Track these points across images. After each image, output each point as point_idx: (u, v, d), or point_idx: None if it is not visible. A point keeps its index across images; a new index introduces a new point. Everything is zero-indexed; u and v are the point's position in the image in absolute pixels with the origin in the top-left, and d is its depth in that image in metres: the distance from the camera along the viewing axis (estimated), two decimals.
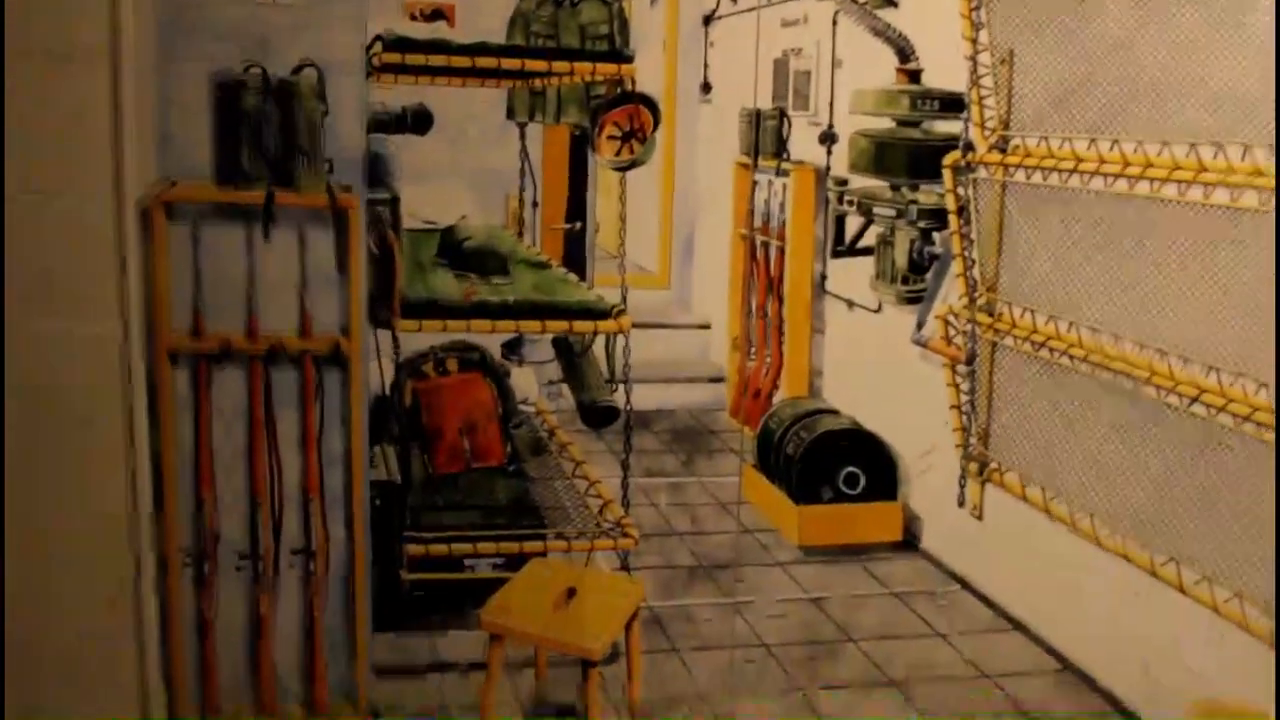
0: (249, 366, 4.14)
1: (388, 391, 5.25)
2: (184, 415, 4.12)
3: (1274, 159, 3.91)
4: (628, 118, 5.19)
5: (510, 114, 6.93)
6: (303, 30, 4.16)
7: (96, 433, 3.83)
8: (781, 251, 7.69)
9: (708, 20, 9.45)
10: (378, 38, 4.70)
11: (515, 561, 4.88)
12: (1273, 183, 3.90)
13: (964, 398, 5.71)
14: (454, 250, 5.44)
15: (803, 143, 7.49)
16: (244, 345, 4.10)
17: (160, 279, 3.97)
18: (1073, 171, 4.84)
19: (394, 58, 4.75)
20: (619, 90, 5.21)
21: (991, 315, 5.47)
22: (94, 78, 3.67)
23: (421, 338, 5.13)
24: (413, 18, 7.16)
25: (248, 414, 4.16)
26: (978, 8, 5.32)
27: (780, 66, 7.95)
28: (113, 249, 3.72)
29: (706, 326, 9.46)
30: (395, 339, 4.83)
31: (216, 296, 4.09)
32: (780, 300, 7.74)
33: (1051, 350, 5.05)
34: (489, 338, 5.53)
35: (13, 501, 3.73)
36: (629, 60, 5.10)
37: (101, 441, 3.84)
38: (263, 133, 4.07)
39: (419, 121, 6.07)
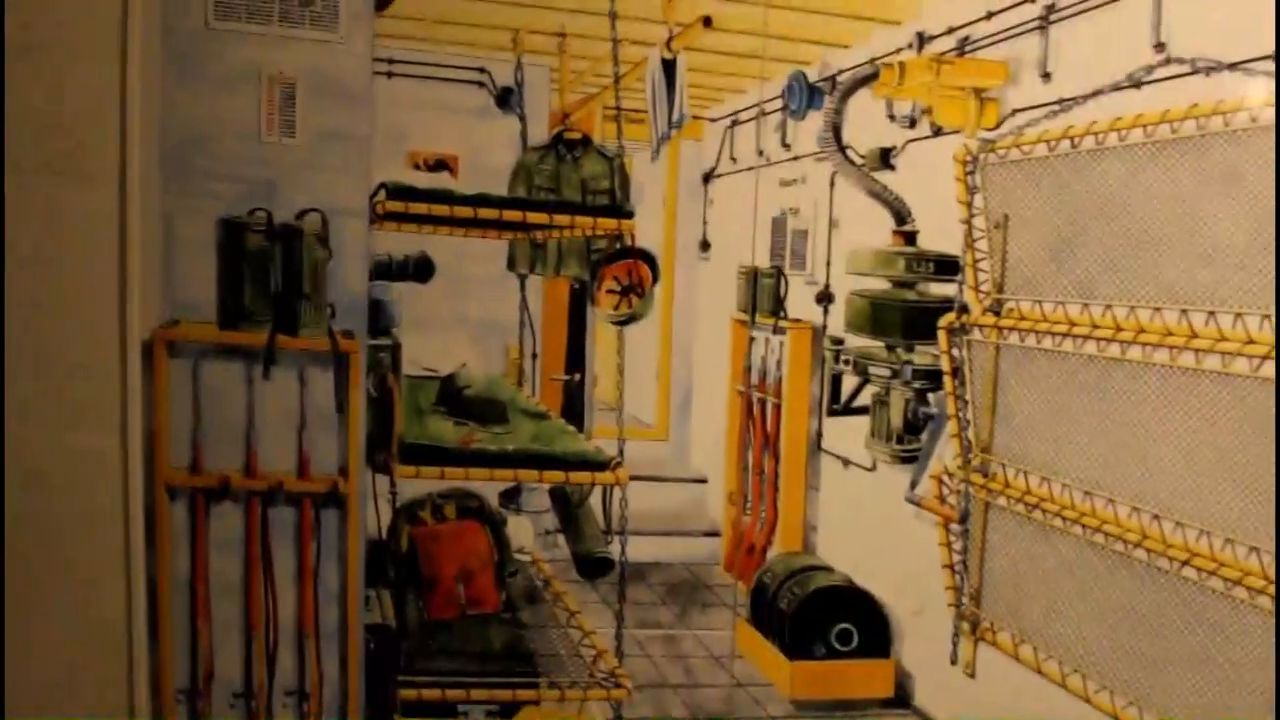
0: (247, 503, 4.14)
1: (384, 536, 5.22)
2: (180, 548, 4.10)
3: (1268, 325, 3.96)
4: (627, 272, 5.24)
5: (511, 265, 7.02)
6: (308, 175, 4.25)
7: (94, 559, 3.82)
8: (778, 408, 7.73)
9: (707, 178, 9.63)
10: (381, 186, 4.74)
11: (509, 709, 4.82)
12: (1264, 350, 3.94)
13: (957, 557, 5.69)
14: (453, 398, 5.46)
15: (800, 301, 7.57)
16: (242, 482, 4.11)
17: (161, 413, 3.99)
18: (1065, 335, 4.89)
19: (397, 206, 4.75)
20: (618, 245, 5.27)
21: (985, 476, 5.47)
22: (103, 202, 3.73)
23: (419, 483, 5.12)
24: (416, 167, 7.31)
25: (244, 549, 4.15)
26: (972, 171, 5.43)
27: (778, 225, 8.08)
28: (116, 379, 3.75)
29: (703, 480, 9.46)
30: (393, 483, 4.83)
31: (216, 433, 4.10)
32: (776, 457, 7.75)
33: (1044, 512, 5.04)
34: (487, 485, 5.52)
35: (12, 615, 3.69)
36: (629, 215, 5.15)
37: (99, 565, 3.82)
38: (266, 274, 4.12)
39: (420, 269, 6.15)
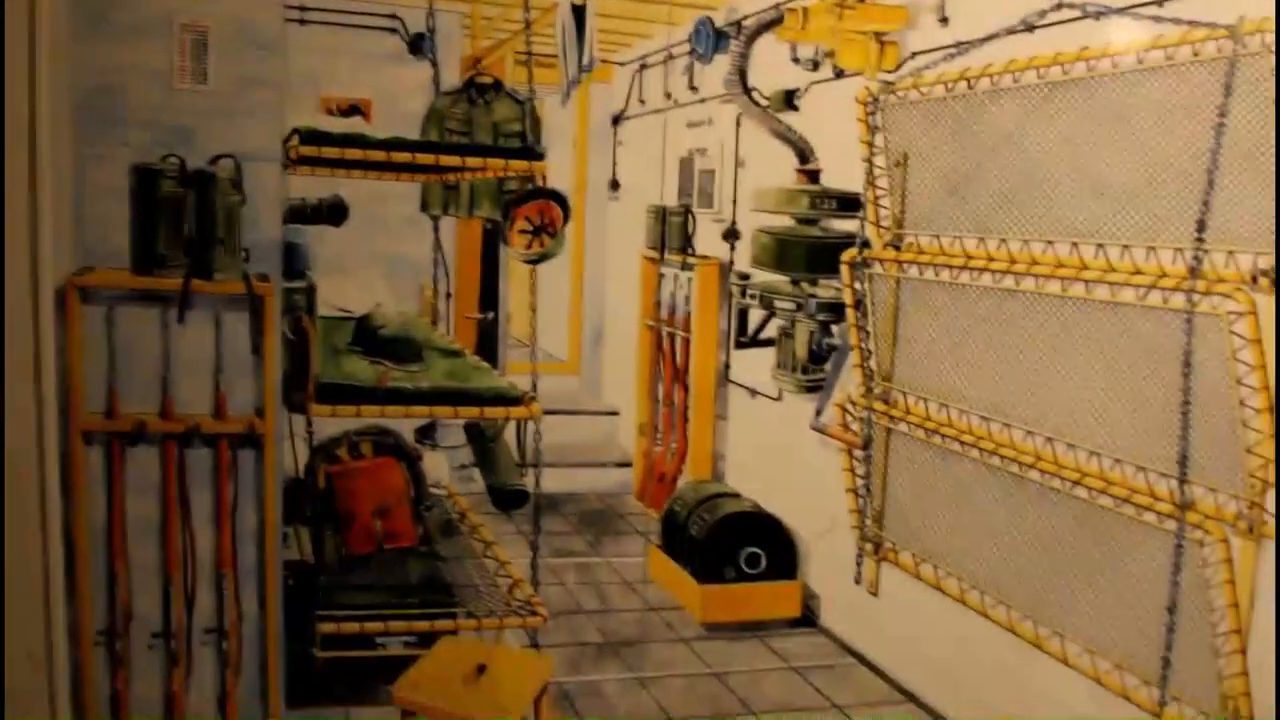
0: (163, 446, 4.05)
1: (302, 474, 5.14)
2: (97, 491, 4.02)
3: (1154, 256, 4.00)
4: (538, 212, 5.17)
5: (424, 207, 6.90)
6: (221, 121, 4.16)
7: (10, 502, 3.69)
8: (687, 342, 7.70)
9: (616, 120, 9.53)
10: (295, 131, 4.65)
11: (427, 639, 4.77)
12: (1149, 279, 3.99)
13: (860, 481, 5.73)
14: (369, 337, 5.37)
15: (707, 238, 7.54)
16: (159, 425, 4.01)
17: (74, 360, 3.89)
18: (962, 268, 4.91)
19: (310, 150, 4.69)
20: (530, 186, 5.21)
21: (887, 403, 5.50)
22: (13, 154, 3.58)
23: (336, 422, 5.05)
24: (329, 112, 7.13)
25: (161, 491, 4.07)
26: (874, 112, 5.41)
27: (686, 165, 8.02)
28: (29, 327, 3.62)
29: (615, 413, 9.44)
30: (309, 423, 4.75)
31: (131, 378, 4.01)
32: (685, 388, 7.74)
33: (943, 436, 5.08)
34: (403, 422, 5.45)
35: None
36: (540, 157, 5.11)
37: (15, 512, 3.70)
38: (180, 220, 4.02)
39: (335, 212, 6.03)
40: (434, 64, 7.18)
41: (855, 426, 5.74)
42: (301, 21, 7.05)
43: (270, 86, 4.25)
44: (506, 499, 5.67)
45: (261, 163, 4.22)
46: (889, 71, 5.41)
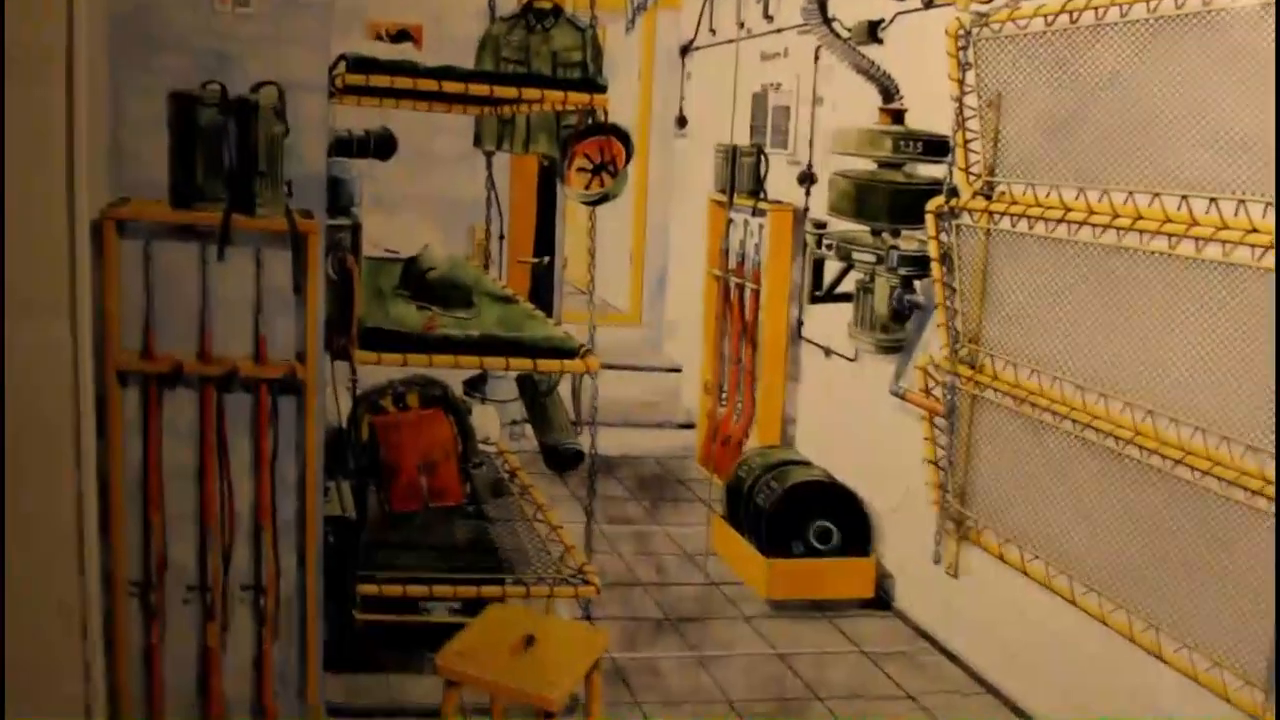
0: (201, 390, 4.19)
1: (344, 425, 5.27)
2: (133, 436, 4.17)
3: (1270, 214, 3.99)
4: (599, 149, 5.24)
5: (477, 142, 6.98)
6: (263, 47, 4.24)
7: (43, 445, 3.88)
8: (756, 295, 7.76)
9: (685, 51, 9.56)
10: (341, 57, 4.74)
11: (473, 606, 4.90)
12: (1268, 239, 3.96)
13: (941, 452, 5.78)
14: (416, 281, 5.49)
15: (781, 182, 7.57)
16: (196, 368, 4.15)
17: (110, 296, 4.03)
18: (1060, 221, 4.91)
19: (357, 79, 4.77)
20: (590, 121, 5.26)
21: (973, 368, 5.53)
22: (49, 81, 3.72)
23: (380, 370, 5.17)
24: (378, 38, 7.23)
25: (199, 438, 4.21)
26: (965, 47, 5.41)
27: (759, 101, 8.05)
28: (64, 262, 3.76)
29: (678, 370, 9.51)
30: (353, 370, 4.87)
31: (169, 317, 4.15)
32: (754, 345, 7.81)
33: (1034, 406, 5.11)
34: (451, 373, 5.56)
35: None
36: (602, 90, 5.15)
37: (48, 455, 3.88)
38: (220, 151, 4.13)
39: (382, 146, 6.13)
40: None
41: (938, 392, 5.77)
42: None
43: (315, 9, 4.32)
44: (560, 459, 5.78)
45: (306, 91, 4.29)
46: (983, 2, 5.40)
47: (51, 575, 3.91)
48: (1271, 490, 3.96)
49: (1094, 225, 4.72)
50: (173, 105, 4.11)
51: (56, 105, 3.72)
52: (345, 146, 5.83)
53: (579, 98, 5.19)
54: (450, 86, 4.95)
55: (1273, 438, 3.97)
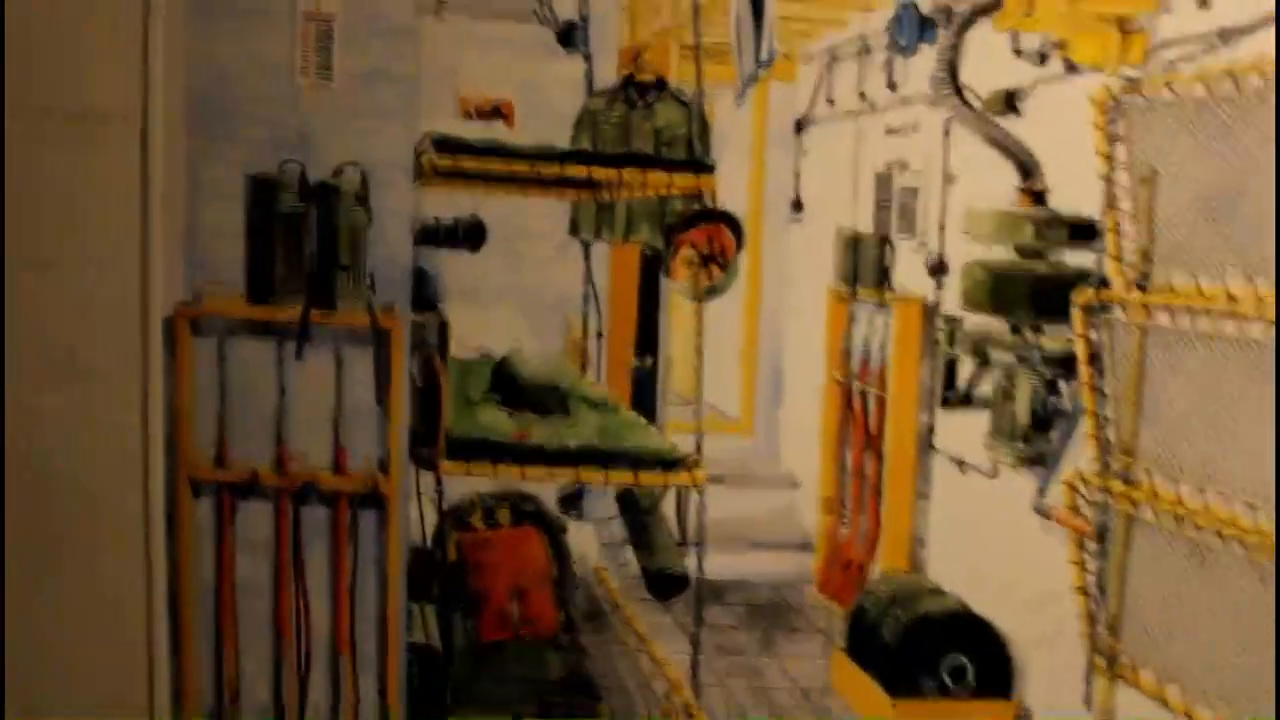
0: (277, 501, 4.35)
1: (429, 543, 5.37)
2: (204, 549, 4.34)
3: None
4: (707, 238, 5.33)
5: (574, 230, 7.12)
6: (346, 123, 4.46)
7: (111, 556, 4.02)
8: (882, 400, 7.79)
9: (801, 126, 9.66)
10: (428, 137, 4.89)
11: None
12: None
13: (1092, 579, 5.73)
14: (508, 384, 5.60)
15: (909, 272, 7.61)
16: (272, 478, 4.31)
17: (184, 398, 4.22)
18: (1226, 315, 4.88)
19: (446, 161, 4.92)
20: (697, 206, 5.38)
21: (1127, 483, 5.48)
22: (122, 160, 3.93)
23: (469, 483, 5.28)
24: (467, 116, 7.41)
25: (274, 553, 4.36)
26: (1115, 118, 5.41)
27: (883, 182, 8.13)
28: (136, 359, 3.93)
29: (794, 484, 9.53)
30: (439, 482, 4.97)
31: (243, 420, 4.34)
32: (880, 457, 7.82)
33: (1199, 527, 5.04)
34: (545, 486, 5.65)
35: (17, 593, 3.88)
36: (710, 170, 5.25)
37: (116, 567, 4.02)
38: (299, 240, 4.33)
39: (471, 235, 6.29)
40: (587, 58, 7.41)
41: (1087, 511, 5.73)
42: (437, 8, 7.35)
43: (401, 84, 4.53)
44: (663, 584, 5.84)
45: (390, 174, 4.50)
46: (1134, 66, 5.42)
47: (121, 698, 4.02)
48: None
49: (1265, 320, 4.68)
50: (250, 189, 4.33)
51: (131, 185, 3.92)
52: (432, 235, 5.98)
53: (684, 180, 5.28)
54: (544, 169, 5.10)
55: None
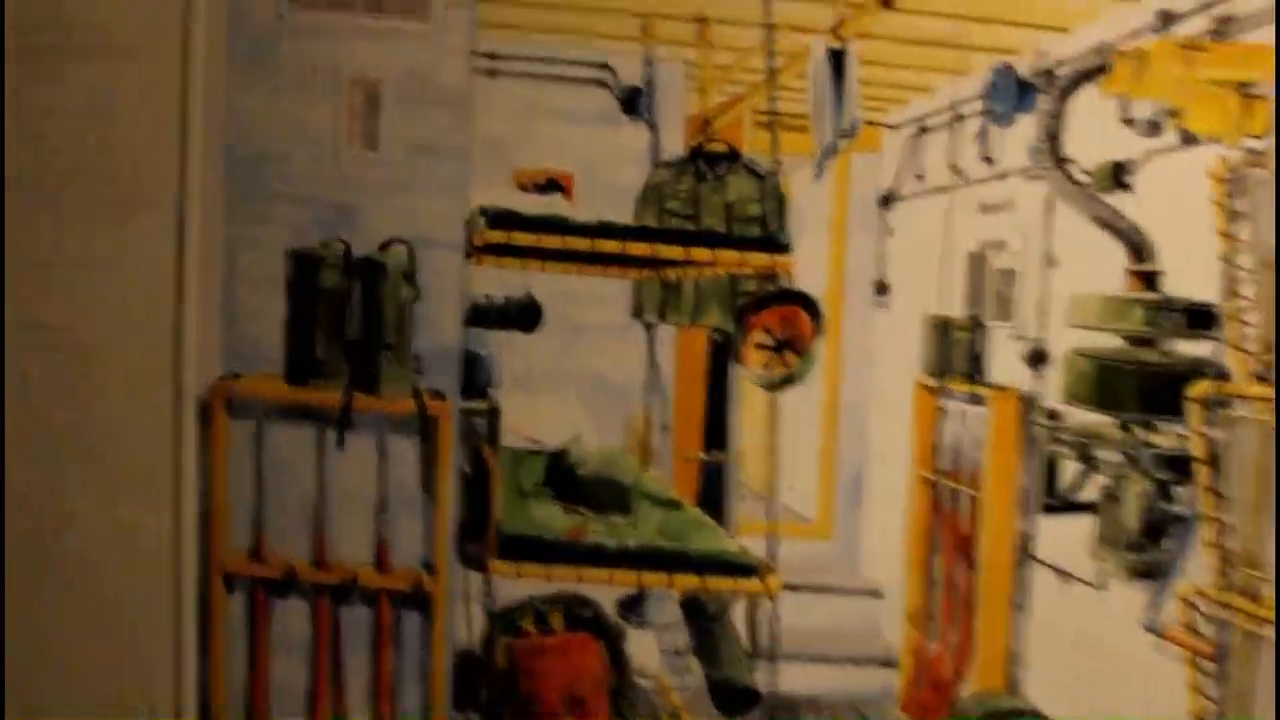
0: (315, 599, 4.44)
1: (477, 648, 5.42)
2: (238, 649, 4.43)
3: None
4: (782, 322, 5.39)
5: (637, 312, 7.21)
6: (393, 197, 4.62)
7: (137, 656, 4.12)
8: (975, 502, 7.80)
9: (886, 201, 9.73)
10: (480, 211, 4.97)
11: None
12: None
13: (1211, 705, 5.72)
14: (564, 478, 5.68)
15: (1005, 361, 7.65)
16: (311, 574, 4.40)
17: (218, 486, 4.34)
18: None
19: (499, 236, 4.98)
20: (772, 286, 5.46)
21: (1251, 598, 5.48)
22: (158, 230, 4.09)
23: (521, 584, 5.34)
24: (522, 188, 7.53)
25: (311, 655, 4.45)
26: (1236, 193, 5.44)
27: (977, 263, 8.18)
28: (167, 443, 4.06)
29: (877, 593, 9.53)
30: (489, 583, 5.04)
31: (280, 512, 4.45)
32: (972, 565, 7.83)
33: None
34: (603, 590, 5.71)
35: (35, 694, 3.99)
36: (786, 249, 5.31)
37: (143, 668, 4.12)
38: (342, 319, 4.46)
39: (525, 315, 6.40)
40: (652, 127, 7.52)
41: (1206, 629, 5.72)
42: (491, 73, 7.50)
43: (452, 155, 4.69)
44: (731, 698, 5.85)
45: (439, 250, 4.64)
46: (1257, 137, 5.46)
47: None
48: None
49: None
50: (290, 265, 4.47)
51: (164, 260, 4.07)
52: (483, 316, 6.08)
53: (758, 259, 5.33)
54: (605, 245, 5.18)
55: None
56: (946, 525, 8.01)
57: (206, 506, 4.33)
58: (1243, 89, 5.48)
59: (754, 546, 5.37)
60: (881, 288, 9.78)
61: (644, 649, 6.48)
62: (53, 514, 4.01)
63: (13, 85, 4.02)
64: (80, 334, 4.06)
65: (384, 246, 4.52)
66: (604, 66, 7.69)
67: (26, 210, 4.02)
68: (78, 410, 4.07)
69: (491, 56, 7.45)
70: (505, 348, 5.97)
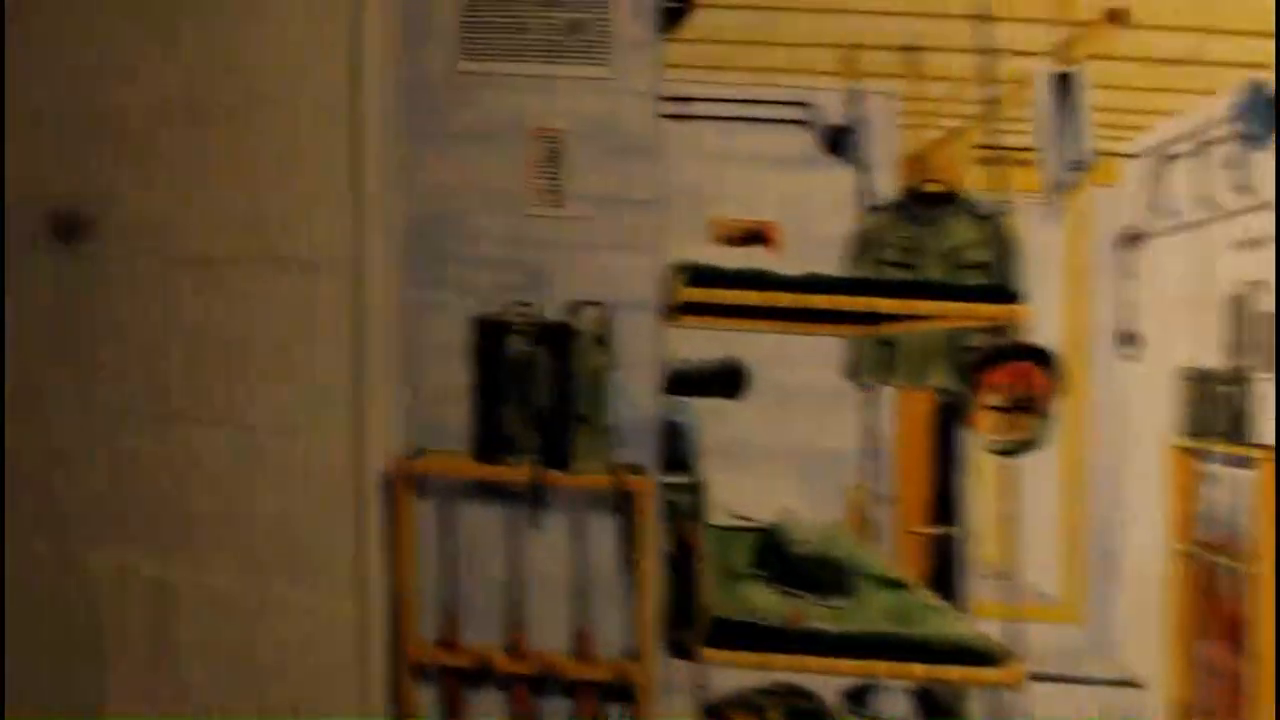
0: (511, 691, 4.59)
1: None
2: None
3: None
4: (1015, 379, 5.46)
5: (852, 372, 7.29)
6: (583, 256, 4.76)
7: None
8: (1249, 579, 7.73)
9: (1129, 240, 9.71)
10: (676, 267, 5.06)
11: None
12: None
13: None
14: (777, 557, 5.75)
15: (1274, 419, 7.59)
16: (506, 664, 4.56)
17: (406, 570, 4.52)
18: None
19: (698, 294, 5.09)
20: (1003, 341, 5.54)
21: None
22: (333, 296, 4.34)
23: (733, 674, 5.43)
24: (722, 242, 7.66)
25: None
26: None
27: (1237, 306, 8.15)
28: (349, 525, 4.25)
29: (1135, 684, 9.44)
30: (698, 673, 5.12)
31: (472, 597, 4.61)
32: (1245, 651, 7.75)
33: None
34: (825, 680, 5.76)
35: None
36: (1016, 298, 5.42)
37: None
38: (531, 389, 4.62)
39: (729, 380, 6.50)
40: (860, 168, 7.60)
41: None
42: (680, 117, 7.63)
43: (642, 207, 4.82)
44: None
45: (633, 311, 4.77)
46: None
47: None
48: None
49: None
50: (475, 332, 4.65)
51: (342, 331, 4.29)
52: (683, 381, 6.19)
53: (986, 310, 5.46)
54: (815, 300, 5.30)
55: None
56: (1212, 605, 7.93)
57: (394, 592, 4.50)
58: None
59: (992, 631, 5.42)
60: (1127, 338, 9.70)
61: None
62: (237, 604, 4.21)
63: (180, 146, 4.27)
64: (256, 414, 4.27)
65: (574, 309, 4.66)
66: (804, 105, 7.78)
67: (198, 283, 4.26)
68: (255, 494, 4.28)
69: (680, 100, 7.56)
70: (708, 416, 6.07)
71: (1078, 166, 6.57)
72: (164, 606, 4.54)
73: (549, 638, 4.63)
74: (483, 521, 4.64)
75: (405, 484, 4.52)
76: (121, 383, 4.73)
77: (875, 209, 7.11)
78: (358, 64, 4.34)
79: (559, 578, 4.65)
